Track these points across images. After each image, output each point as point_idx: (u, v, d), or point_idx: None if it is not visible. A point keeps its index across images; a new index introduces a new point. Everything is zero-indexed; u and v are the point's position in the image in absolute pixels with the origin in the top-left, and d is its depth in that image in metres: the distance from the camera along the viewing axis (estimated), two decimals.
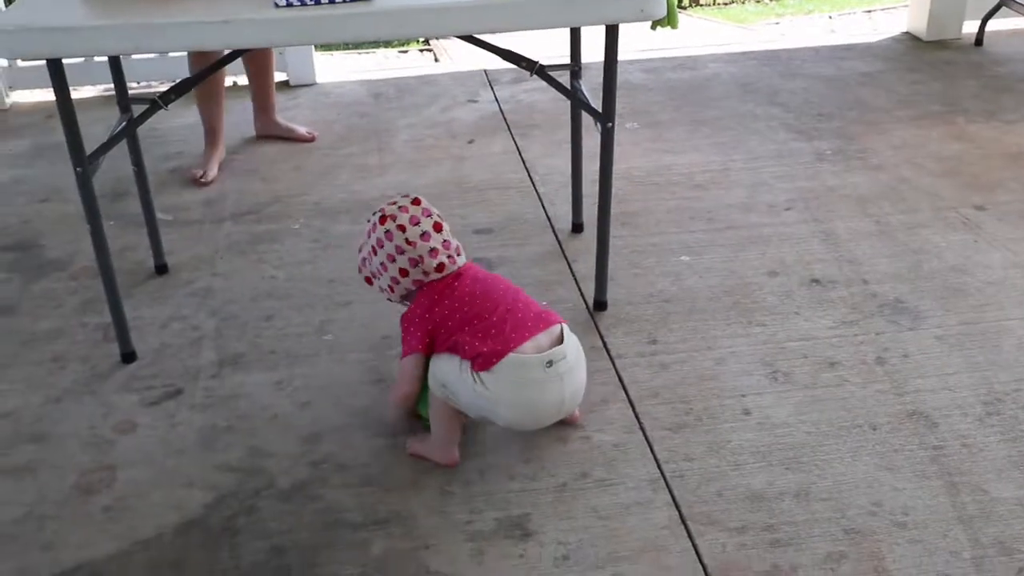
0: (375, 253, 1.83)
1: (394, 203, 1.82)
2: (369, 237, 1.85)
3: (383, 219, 1.80)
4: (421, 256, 1.78)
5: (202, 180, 3.05)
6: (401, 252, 1.78)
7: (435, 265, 1.79)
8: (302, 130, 3.37)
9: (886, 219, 2.72)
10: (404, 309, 1.86)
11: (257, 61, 3.28)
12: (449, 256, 1.81)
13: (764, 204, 2.83)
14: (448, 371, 1.76)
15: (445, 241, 1.81)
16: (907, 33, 4.29)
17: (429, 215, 1.81)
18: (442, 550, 1.68)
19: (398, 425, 1.93)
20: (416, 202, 1.82)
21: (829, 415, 1.97)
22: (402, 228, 1.78)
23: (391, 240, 1.79)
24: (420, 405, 1.88)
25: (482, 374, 1.70)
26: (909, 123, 3.35)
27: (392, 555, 1.67)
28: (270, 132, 3.38)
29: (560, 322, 1.79)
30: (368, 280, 1.92)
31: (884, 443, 1.89)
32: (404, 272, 1.80)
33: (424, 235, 1.78)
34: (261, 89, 3.34)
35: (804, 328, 2.25)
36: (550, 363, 1.70)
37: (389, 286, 1.85)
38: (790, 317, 2.29)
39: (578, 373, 1.78)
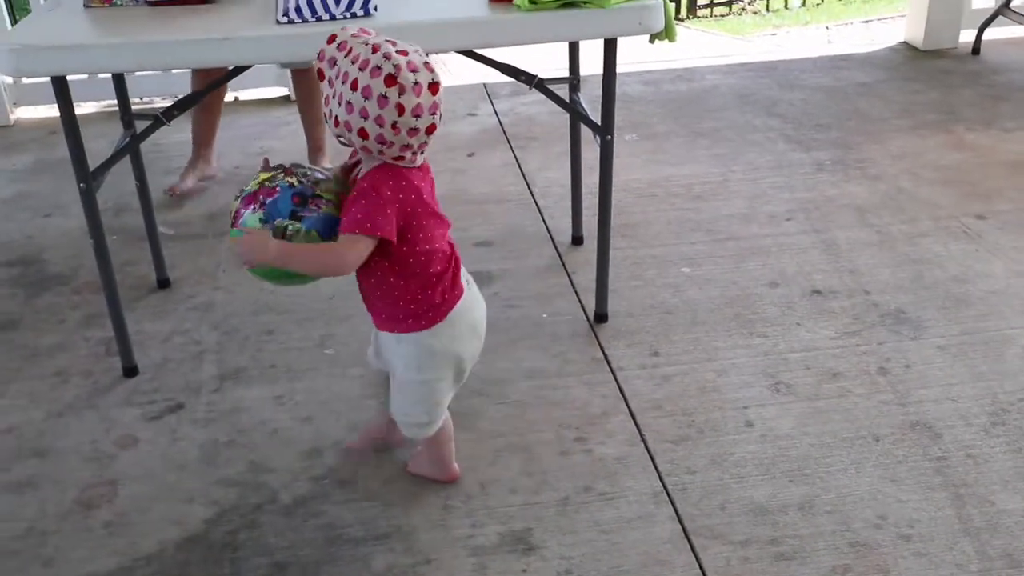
0: (353, 87, 1.49)
1: (415, 71, 1.49)
2: (363, 68, 1.48)
3: (392, 80, 1.47)
4: (392, 143, 1.53)
5: (176, 192, 3.03)
6: (380, 124, 1.50)
7: (394, 156, 1.56)
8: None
9: (886, 229, 2.72)
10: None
11: (303, 88, 3.09)
12: (414, 153, 1.59)
13: (764, 215, 2.83)
14: (436, 391, 1.73)
15: (423, 143, 1.58)
16: (904, 43, 4.30)
17: (435, 111, 1.54)
18: (444, 565, 1.67)
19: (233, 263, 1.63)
20: (434, 89, 1.52)
21: (832, 426, 1.96)
22: (401, 109, 1.49)
23: (381, 108, 1.48)
24: (262, 271, 1.69)
25: (425, 333, 1.66)
26: (907, 132, 3.35)
27: (394, 570, 1.66)
28: None
29: None
30: (320, 74, 1.56)
31: (888, 454, 1.89)
32: (363, 133, 1.51)
33: (412, 131, 1.52)
34: (306, 125, 3.15)
35: (806, 339, 2.25)
36: (467, 280, 1.74)
37: (336, 117, 1.54)
38: (791, 328, 2.29)
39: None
